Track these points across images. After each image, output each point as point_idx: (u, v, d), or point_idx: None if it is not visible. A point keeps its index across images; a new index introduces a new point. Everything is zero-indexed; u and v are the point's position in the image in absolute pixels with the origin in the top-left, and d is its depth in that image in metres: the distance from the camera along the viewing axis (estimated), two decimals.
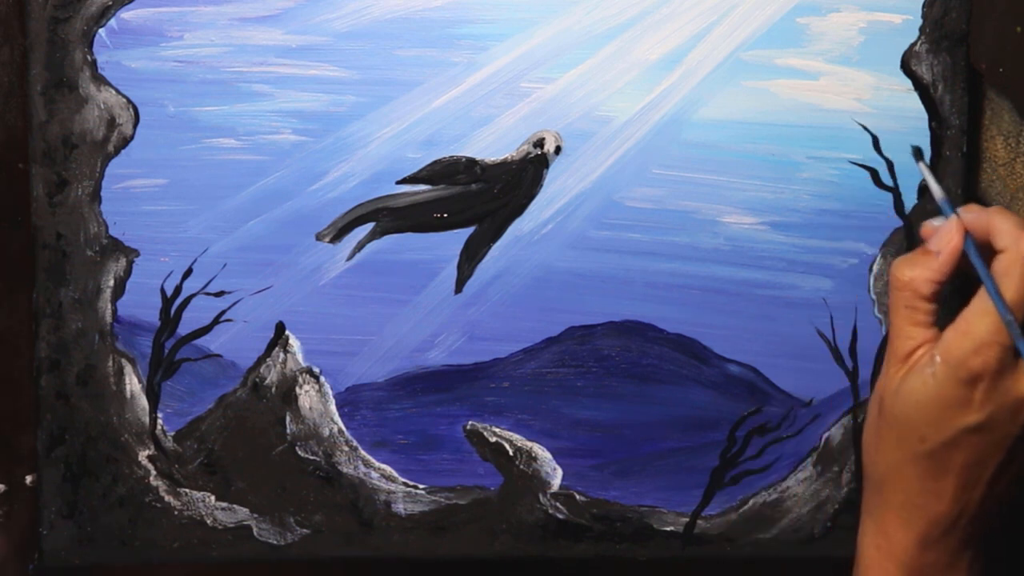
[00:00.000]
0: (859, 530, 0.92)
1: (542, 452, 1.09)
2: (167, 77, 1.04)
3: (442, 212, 1.07)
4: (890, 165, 1.07)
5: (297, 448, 1.08)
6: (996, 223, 0.88)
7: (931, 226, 0.91)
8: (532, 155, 1.06)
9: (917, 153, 0.93)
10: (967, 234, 0.88)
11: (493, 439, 1.09)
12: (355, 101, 1.05)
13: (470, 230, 1.07)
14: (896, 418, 0.89)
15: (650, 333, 1.08)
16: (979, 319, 0.86)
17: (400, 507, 1.09)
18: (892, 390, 0.89)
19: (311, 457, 1.08)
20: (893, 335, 0.90)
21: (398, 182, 1.06)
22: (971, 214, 0.89)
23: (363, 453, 1.09)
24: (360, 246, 1.07)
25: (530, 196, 1.07)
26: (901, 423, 0.89)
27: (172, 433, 1.07)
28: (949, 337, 0.87)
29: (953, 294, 0.93)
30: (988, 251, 0.88)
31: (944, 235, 0.89)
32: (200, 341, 1.07)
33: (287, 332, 1.07)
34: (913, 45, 1.06)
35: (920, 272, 0.89)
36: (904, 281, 0.89)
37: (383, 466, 1.09)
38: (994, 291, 0.86)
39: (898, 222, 1.08)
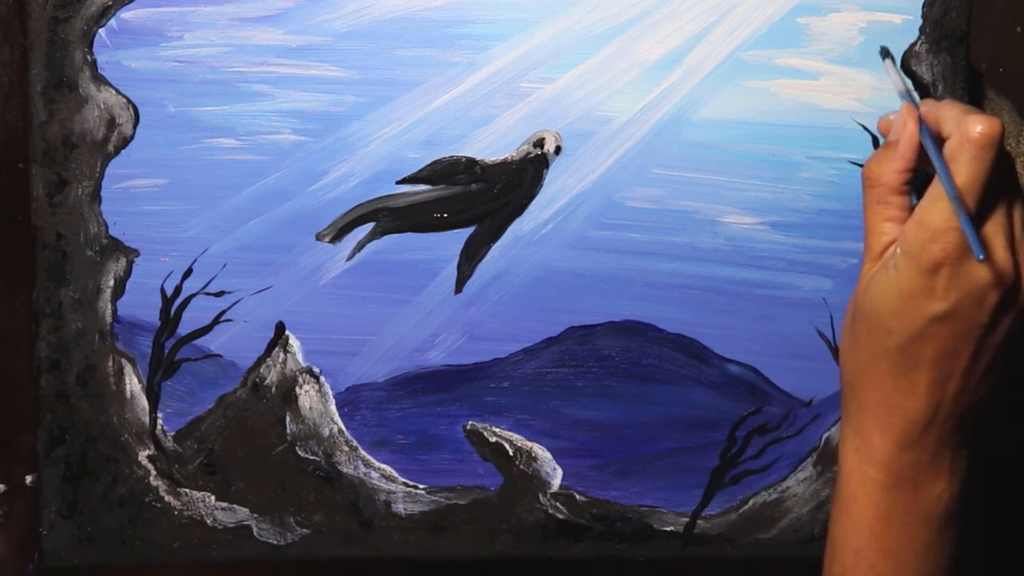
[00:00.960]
0: (839, 437, 0.92)
1: (542, 452, 1.09)
2: (167, 77, 1.04)
3: (442, 212, 1.07)
4: None
5: (297, 448, 1.08)
6: (943, 111, 0.88)
7: (888, 119, 0.91)
8: (532, 155, 1.06)
9: (884, 52, 0.92)
10: (921, 121, 0.88)
11: (493, 439, 1.09)
12: (355, 101, 1.05)
13: (470, 230, 1.07)
14: (866, 314, 0.89)
15: (650, 333, 1.08)
16: (933, 206, 0.86)
17: (400, 507, 1.09)
18: (863, 287, 0.89)
19: (311, 457, 1.08)
20: (867, 233, 0.90)
21: (398, 182, 1.06)
22: (925, 106, 0.89)
23: (363, 453, 1.09)
24: (360, 246, 1.07)
25: (530, 196, 1.07)
26: (870, 319, 0.89)
27: (172, 433, 1.07)
28: (908, 227, 0.87)
29: None
30: (942, 142, 0.88)
31: (899, 123, 0.89)
32: (200, 341, 1.07)
33: (287, 332, 1.07)
34: (913, 45, 1.06)
35: (886, 164, 0.89)
36: (873, 176, 0.89)
37: (383, 466, 1.09)
38: (945, 176, 0.85)
39: None
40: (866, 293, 0.89)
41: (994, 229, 0.87)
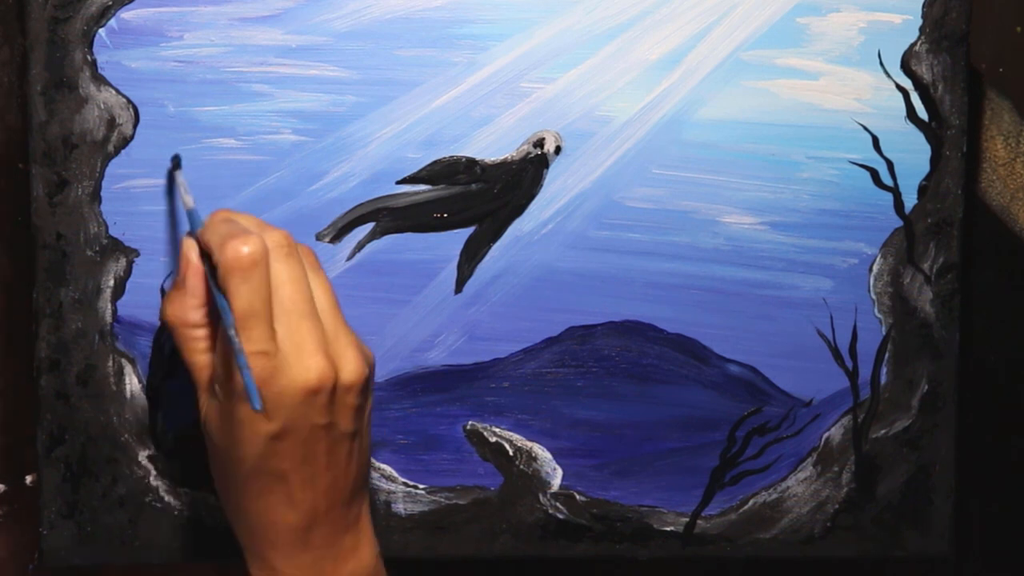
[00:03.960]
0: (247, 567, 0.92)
1: (542, 452, 1.09)
2: (167, 77, 1.04)
3: (442, 212, 1.07)
4: (890, 165, 1.07)
5: None
6: (209, 236, 0.88)
7: (190, 239, 0.91)
8: (532, 155, 1.06)
9: (175, 162, 0.93)
10: (208, 264, 0.88)
11: (493, 439, 1.09)
12: (355, 101, 1.05)
13: (470, 230, 1.07)
14: (215, 448, 0.89)
15: (650, 333, 1.08)
16: (224, 337, 0.86)
17: (400, 507, 1.09)
18: (203, 423, 0.89)
19: None
20: (190, 368, 0.91)
21: (398, 182, 1.06)
22: (204, 229, 0.89)
23: None
24: (360, 246, 1.07)
25: (530, 196, 1.07)
26: (219, 451, 0.89)
27: (172, 433, 1.07)
28: (215, 359, 0.88)
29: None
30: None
31: (183, 258, 0.90)
32: None
33: None
34: (913, 45, 1.06)
35: (177, 305, 0.90)
36: (173, 319, 0.90)
37: (383, 466, 1.09)
38: (224, 309, 0.85)
39: (898, 222, 1.08)
40: (206, 427, 0.89)
41: (301, 336, 0.86)
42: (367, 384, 0.90)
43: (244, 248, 0.86)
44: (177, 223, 0.93)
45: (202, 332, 0.90)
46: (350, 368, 0.88)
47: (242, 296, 0.86)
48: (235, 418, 0.87)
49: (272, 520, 0.90)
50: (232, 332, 0.85)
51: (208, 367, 0.90)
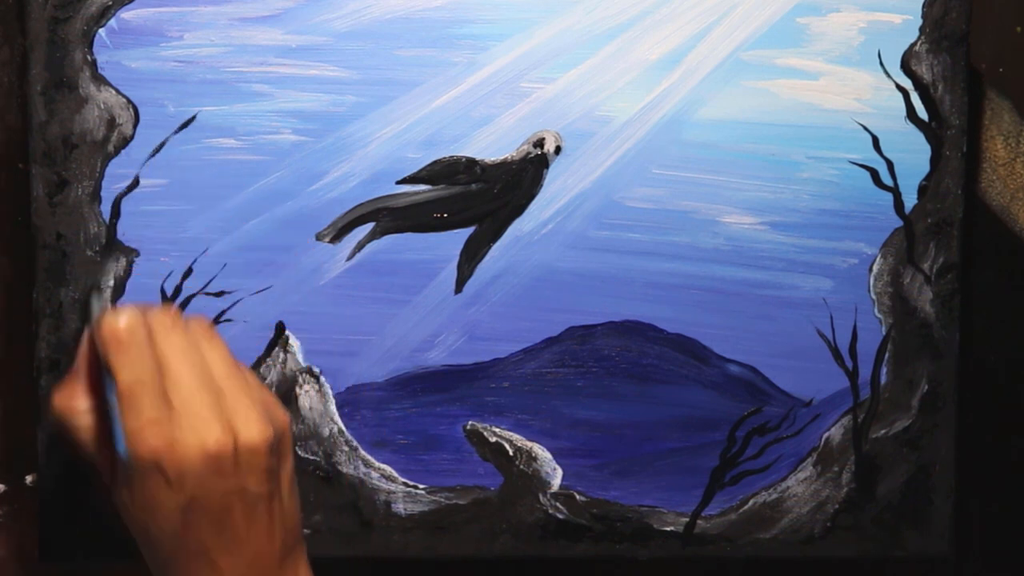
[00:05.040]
0: None
1: (542, 452, 1.09)
2: (167, 77, 1.04)
3: (442, 212, 1.07)
4: (890, 165, 1.07)
5: (297, 448, 1.08)
6: (104, 351, 0.88)
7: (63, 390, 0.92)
8: (532, 155, 1.06)
9: (95, 292, 0.96)
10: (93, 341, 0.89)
11: (493, 439, 1.09)
12: (355, 101, 1.05)
13: (470, 230, 1.07)
14: (136, 532, 0.90)
15: (650, 333, 1.08)
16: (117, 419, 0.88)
17: (400, 507, 1.09)
18: (121, 511, 0.90)
19: (311, 457, 1.08)
20: (92, 465, 0.91)
21: (398, 182, 1.06)
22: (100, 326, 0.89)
23: (363, 453, 1.09)
24: (360, 246, 1.07)
25: (530, 196, 1.07)
26: (140, 535, 0.90)
27: None
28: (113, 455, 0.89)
29: None
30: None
31: (81, 351, 0.91)
32: None
33: (287, 332, 1.07)
34: (913, 45, 1.06)
35: (65, 393, 0.91)
36: (65, 409, 0.91)
37: (383, 466, 1.09)
38: (108, 384, 0.87)
39: (898, 222, 1.08)
40: (124, 515, 0.89)
41: (193, 405, 0.87)
42: (276, 444, 0.89)
43: (119, 322, 0.87)
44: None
45: (90, 420, 0.91)
46: (251, 430, 0.88)
47: (123, 367, 0.87)
48: (143, 498, 0.88)
49: None
50: (113, 397, 0.87)
51: (105, 456, 0.91)
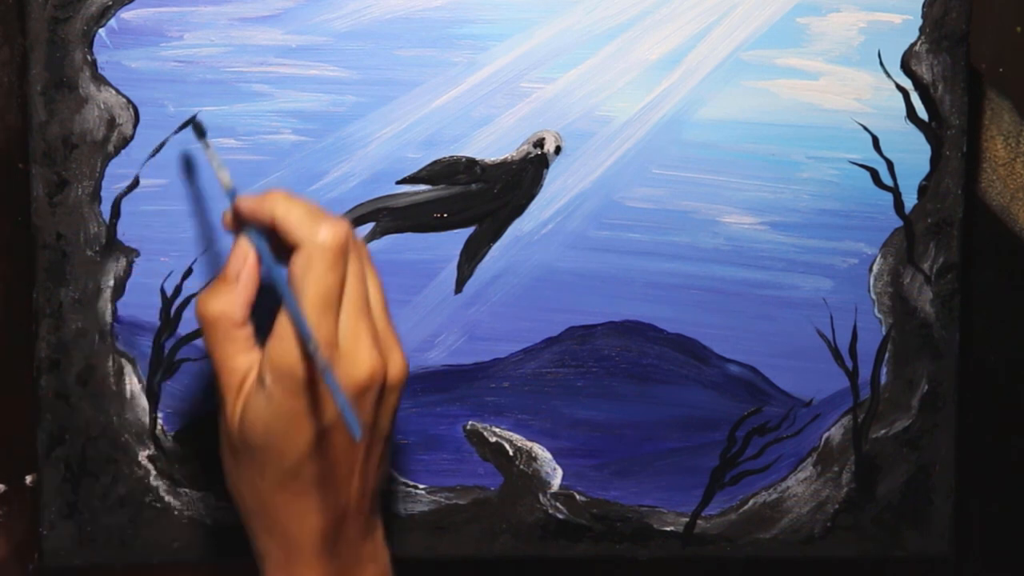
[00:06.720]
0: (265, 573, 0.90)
1: (542, 452, 1.09)
2: (167, 77, 1.04)
3: (442, 212, 1.07)
4: (890, 165, 1.07)
5: None
6: (281, 217, 0.84)
7: (228, 216, 0.87)
8: (532, 155, 1.06)
9: (198, 130, 0.88)
10: (262, 244, 0.84)
11: (493, 439, 1.09)
12: (355, 101, 1.05)
13: (470, 230, 1.07)
14: (249, 447, 0.86)
15: (650, 333, 1.08)
16: (288, 330, 0.83)
17: (400, 507, 1.09)
18: (236, 424, 0.86)
19: None
20: (220, 370, 0.87)
21: (398, 182, 1.06)
22: (247, 202, 0.85)
23: None
24: None
25: (530, 196, 1.07)
26: (255, 451, 0.86)
27: (172, 433, 1.07)
28: (272, 351, 0.84)
29: None
30: (279, 245, 0.84)
31: (239, 257, 0.86)
32: (200, 341, 1.07)
33: None
34: (913, 45, 1.06)
35: (226, 303, 0.86)
36: (214, 317, 0.86)
37: None
38: (291, 302, 0.82)
39: (898, 222, 1.08)
40: (243, 427, 0.86)
41: (359, 331, 0.84)
42: (406, 386, 0.89)
43: (341, 233, 0.83)
44: (204, 208, 0.88)
45: (246, 332, 0.86)
46: (397, 367, 0.87)
47: (327, 284, 0.83)
48: (285, 413, 0.84)
49: (301, 526, 0.88)
50: (308, 331, 0.82)
51: (242, 367, 0.87)
